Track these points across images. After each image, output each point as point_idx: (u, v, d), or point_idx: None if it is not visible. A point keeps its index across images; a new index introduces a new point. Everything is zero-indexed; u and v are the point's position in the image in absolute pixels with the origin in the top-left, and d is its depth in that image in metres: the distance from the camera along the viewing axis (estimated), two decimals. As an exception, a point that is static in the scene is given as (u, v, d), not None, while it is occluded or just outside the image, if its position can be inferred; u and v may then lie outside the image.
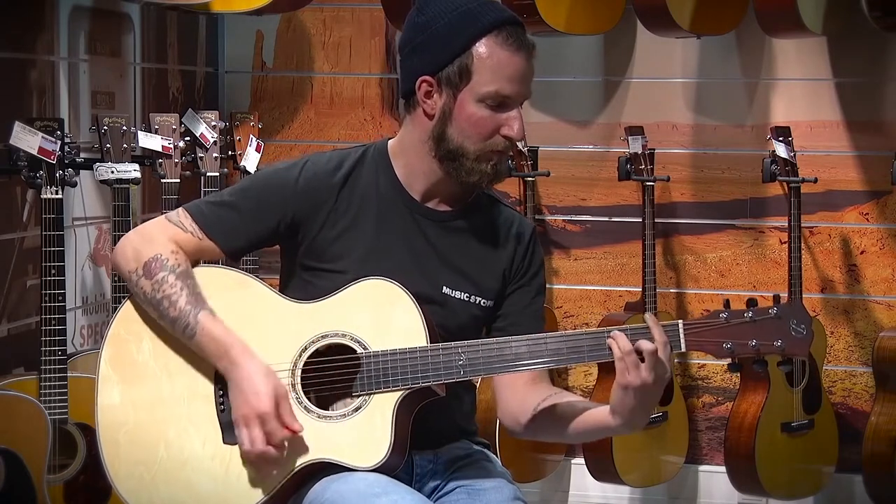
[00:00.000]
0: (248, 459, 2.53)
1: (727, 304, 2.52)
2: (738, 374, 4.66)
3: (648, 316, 2.51)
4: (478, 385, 4.45)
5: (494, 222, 2.72)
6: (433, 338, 2.56)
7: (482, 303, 2.68)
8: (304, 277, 2.67)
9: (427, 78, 2.59)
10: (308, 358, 2.58)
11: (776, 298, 2.53)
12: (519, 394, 2.69)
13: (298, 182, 2.64)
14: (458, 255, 2.67)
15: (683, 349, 2.51)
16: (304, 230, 2.65)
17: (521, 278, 2.73)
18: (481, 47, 2.55)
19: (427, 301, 2.59)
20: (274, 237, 2.67)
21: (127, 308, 2.64)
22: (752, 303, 2.52)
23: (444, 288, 2.65)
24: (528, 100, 2.63)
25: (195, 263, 2.64)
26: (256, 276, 2.65)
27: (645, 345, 2.47)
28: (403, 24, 2.68)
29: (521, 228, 2.74)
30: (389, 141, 2.72)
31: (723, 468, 4.66)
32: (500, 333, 2.70)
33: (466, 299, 2.67)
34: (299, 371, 2.58)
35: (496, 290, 2.70)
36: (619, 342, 2.48)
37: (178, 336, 2.58)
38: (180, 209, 2.68)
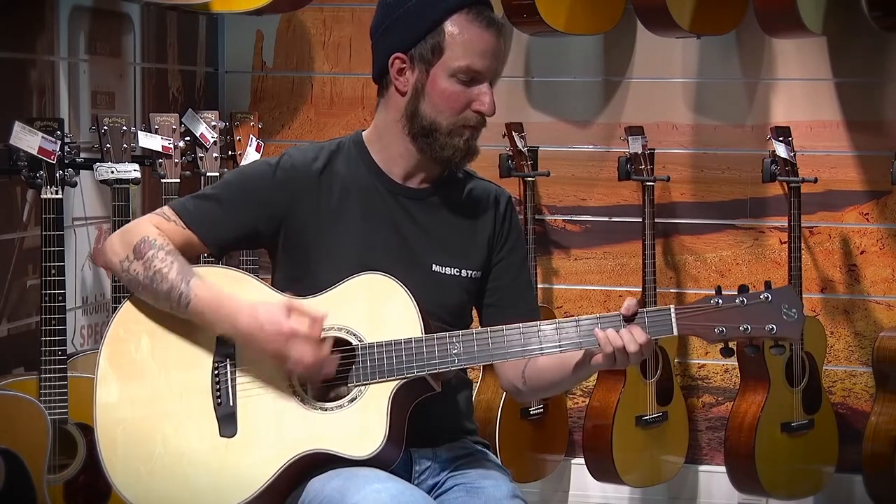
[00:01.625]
0: (314, 378, 2.54)
1: (719, 289, 2.55)
2: (739, 374, 4.66)
3: (629, 301, 2.54)
4: (477, 385, 4.46)
5: (472, 193, 2.77)
6: (428, 330, 2.58)
7: (472, 275, 2.72)
8: (293, 273, 2.69)
9: (400, 55, 2.65)
10: None
11: (767, 284, 2.55)
12: (513, 360, 2.71)
13: (277, 174, 2.67)
14: (442, 231, 2.71)
15: (675, 333, 2.54)
16: (287, 222, 2.67)
17: (502, 248, 2.77)
18: (452, 24, 2.62)
19: (419, 281, 2.61)
20: (256, 233, 2.69)
21: (126, 309, 2.66)
22: (743, 288, 2.54)
23: (434, 266, 2.69)
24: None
25: (182, 255, 2.64)
26: (254, 275, 2.67)
27: (629, 344, 2.51)
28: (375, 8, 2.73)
29: (498, 196, 2.80)
30: (364, 131, 2.76)
31: (723, 468, 4.66)
32: (491, 310, 2.75)
33: (457, 274, 2.70)
34: None
35: (482, 261, 2.74)
36: (611, 340, 2.51)
37: (175, 310, 2.60)
38: (165, 206, 2.72)
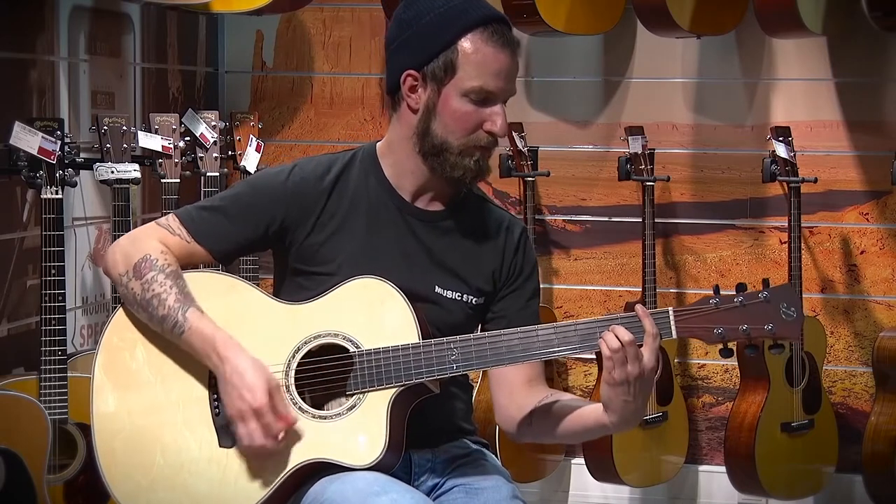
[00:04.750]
0: (248, 455, 2.53)
1: (717, 289, 2.52)
2: (739, 374, 4.66)
3: (639, 307, 2.51)
4: (477, 385, 4.46)
5: (484, 221, 2.73)
6: (425, 334, 2.57)
7: (473, 301, 2.69)
8: (296, 281, 2.67)
9: (412, 72, 2.61)
10: (301, 358, 2.58)
11: (765, 283, 2.53)
12: (515, 398, 2.70)
13: (287, 187, 2.65)
14: (449, 255, 2.68)
15: (674, 336, 2.51)
16: (293, 234, 2.66)
17: (515, 281, 2.73)
18: (467, 43, 2.57)
19: (420, 301, 2.60)
20: (263, 242, 2.68)
21: (119, 316, 2.65)
22: (741, 287, 2.52)
23: (437, 288, 2.66)
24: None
25: (185, 267, 2.64)
26: (247, 280, 2.66)
27: (629, 336, 2.46)
28: (390, 21, 2.69)
29: (512, 228, 2.75)
30: (378, 143, 2.73)
31: (723, 468, 4.66)
32: None
33: (459, 298, 2.68)
34: (293, 372, 2.58)
35: (485, 290, 2.71)
36: (608, 340, 2.47)
37: (168, 335, 2.58)
38: (170, 214, 2.69)
